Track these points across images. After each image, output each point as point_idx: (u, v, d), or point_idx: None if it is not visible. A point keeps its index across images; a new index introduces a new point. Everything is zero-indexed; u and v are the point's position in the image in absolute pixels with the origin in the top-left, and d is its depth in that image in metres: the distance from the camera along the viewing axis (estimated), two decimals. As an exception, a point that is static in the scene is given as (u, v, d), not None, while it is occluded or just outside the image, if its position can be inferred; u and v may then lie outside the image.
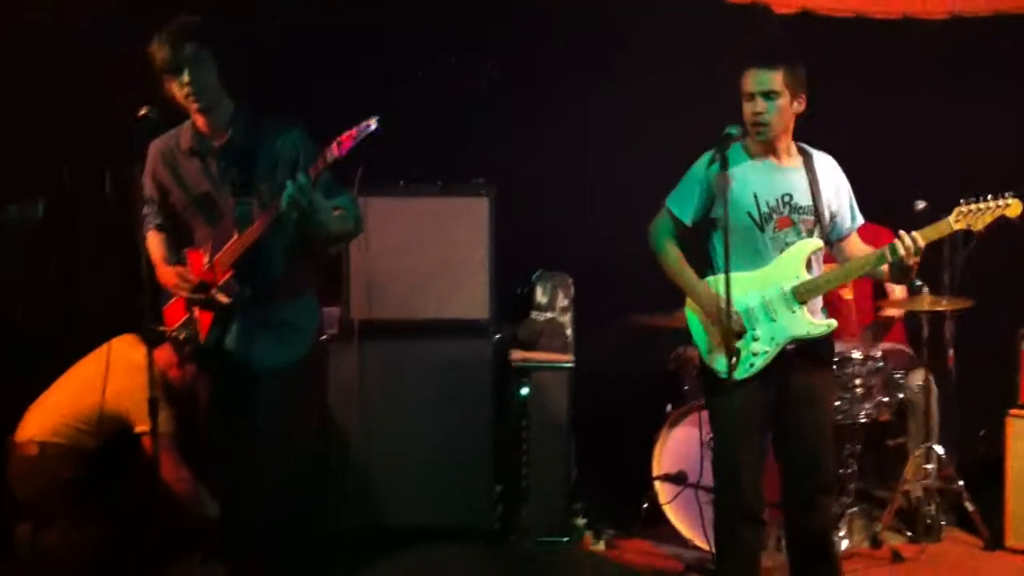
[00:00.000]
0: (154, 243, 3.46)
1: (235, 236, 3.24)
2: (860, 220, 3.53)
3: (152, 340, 3.25)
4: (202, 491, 4.12)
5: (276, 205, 3.09)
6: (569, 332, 4.90)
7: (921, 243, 3.22)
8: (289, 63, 4.94)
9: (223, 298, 3.27)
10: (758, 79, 3.32)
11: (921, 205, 4.41)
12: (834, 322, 3.42)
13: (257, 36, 4.79)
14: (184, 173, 3.37)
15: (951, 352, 4.64)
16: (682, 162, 3.56)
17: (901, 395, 4.69)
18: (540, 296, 4.94)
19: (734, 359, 3.28)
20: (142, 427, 4.04)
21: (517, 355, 4.77)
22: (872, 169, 3.47)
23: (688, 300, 3.52)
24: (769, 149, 3.41)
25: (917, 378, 4.68)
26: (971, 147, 5.31)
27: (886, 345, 4.94)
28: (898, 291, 4.95)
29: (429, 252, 4.64)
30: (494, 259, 4.65)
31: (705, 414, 4.44)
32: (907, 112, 5.35)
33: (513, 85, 5.28)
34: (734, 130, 3.26)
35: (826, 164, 3.47)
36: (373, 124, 2.94)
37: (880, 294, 5.04)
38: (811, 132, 3.52)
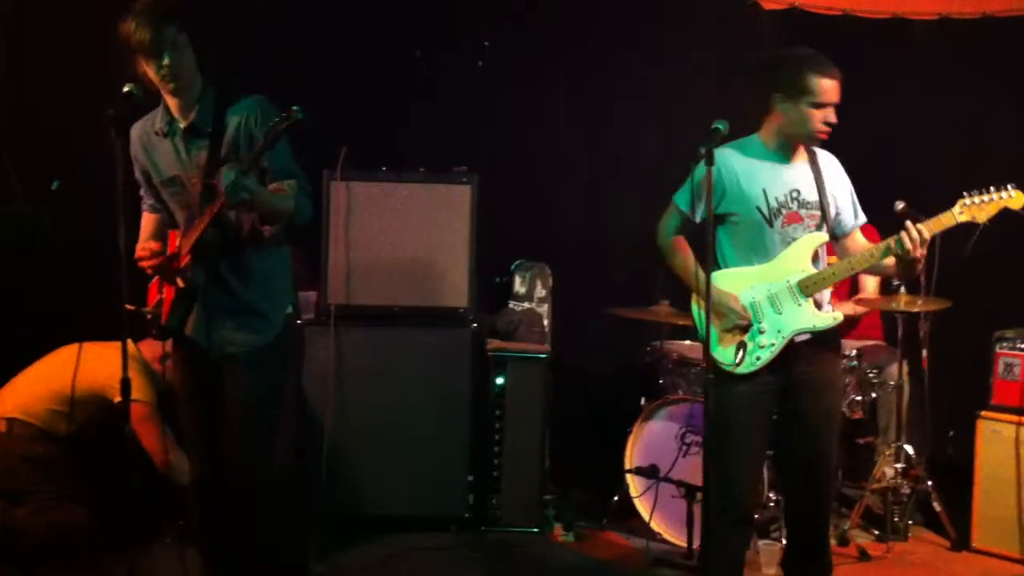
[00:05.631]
0: (144, 224, 3.43)
1: (197, 221, 3.21)
2: (863, 218, 3.51)
3: (124, 317, 3.20)
4: (184, 462, 4.08)
5: (222, 192, 3.03)
6: (547, 323, 4.91)
7: (927, 234, 3.19)
8: (273, 45, 4.91)
9: (180, 282, 3.24)
10: (837, 89, 3.26)
11: (900, 206, 4.40)
12: (840, 315, 3.41)
13: (242, 17, 4.74)
14: (157, 156, 3.31)
15: (924, 352, 4.67)
16: (664, 157, 3.53)
17: (874, 394, 4.74)
18: (519, 286, 4.95)
19: (740, 353, 3.30)
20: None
21: (494, 345, 4.77)
22: (855, 170, 3.45)
23: (695, 296, 3.51)
24: (785, 147, 3.38)
25: (890, 377, 4.72)
26: (957, 148, 5.33)
27: (864, 341, 4.97)
28: (871, 288, 4.97)
29: (410, 239, 4.62)
30: (475, 248, 4.63)
31: (678, 408, 4.50)
32: (893, 113, 5.36)
33: (498, 75, 5.25)
34: (721, 125, 3.22)
35: (830, 162, 3.47)
36: (295, 114, 2.90)
37: (854, 290, 5.07)
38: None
